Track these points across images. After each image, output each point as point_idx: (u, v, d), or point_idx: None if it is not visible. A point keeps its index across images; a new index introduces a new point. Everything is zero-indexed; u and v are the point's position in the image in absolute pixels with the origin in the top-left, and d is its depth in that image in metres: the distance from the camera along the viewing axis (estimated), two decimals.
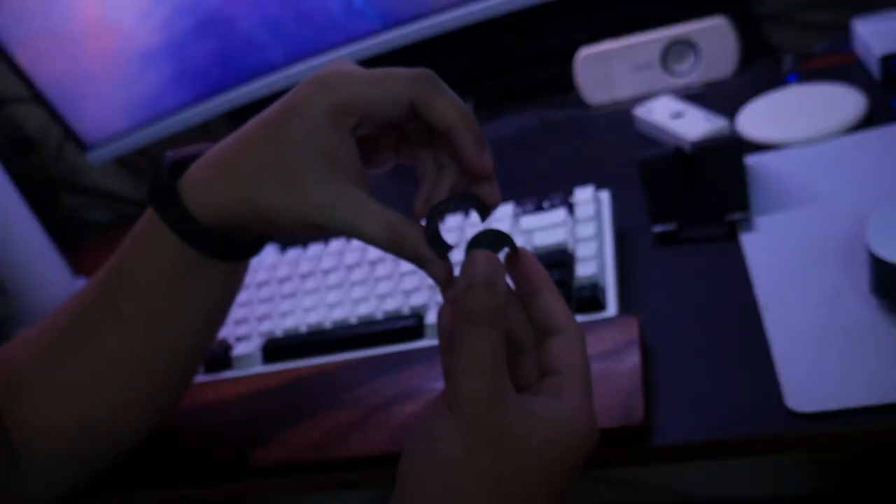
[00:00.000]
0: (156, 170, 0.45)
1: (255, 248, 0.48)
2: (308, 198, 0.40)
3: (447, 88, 0.40)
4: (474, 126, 0.39)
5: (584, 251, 0.57)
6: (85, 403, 0.49)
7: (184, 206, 0.44)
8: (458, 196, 0.41)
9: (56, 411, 0.49)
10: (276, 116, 0.42)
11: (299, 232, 0.42)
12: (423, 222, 0.39)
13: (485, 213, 0.40)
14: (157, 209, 0.45)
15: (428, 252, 0.39)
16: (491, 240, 0.37)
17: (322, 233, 0.42)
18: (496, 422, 0.34)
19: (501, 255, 0.37)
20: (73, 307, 0.50)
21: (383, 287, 0.61)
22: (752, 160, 0.63)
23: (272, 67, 0.85)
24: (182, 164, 0.46)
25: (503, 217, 0.63)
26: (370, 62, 0.80)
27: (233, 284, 0.50)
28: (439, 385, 0.51)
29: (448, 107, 0.39)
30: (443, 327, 0.39)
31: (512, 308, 0.39)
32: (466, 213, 0.67)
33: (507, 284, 0.37)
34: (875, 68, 0.68)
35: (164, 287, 0.47)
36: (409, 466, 0.35)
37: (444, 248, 0.39)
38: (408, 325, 0.58)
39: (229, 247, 0.46)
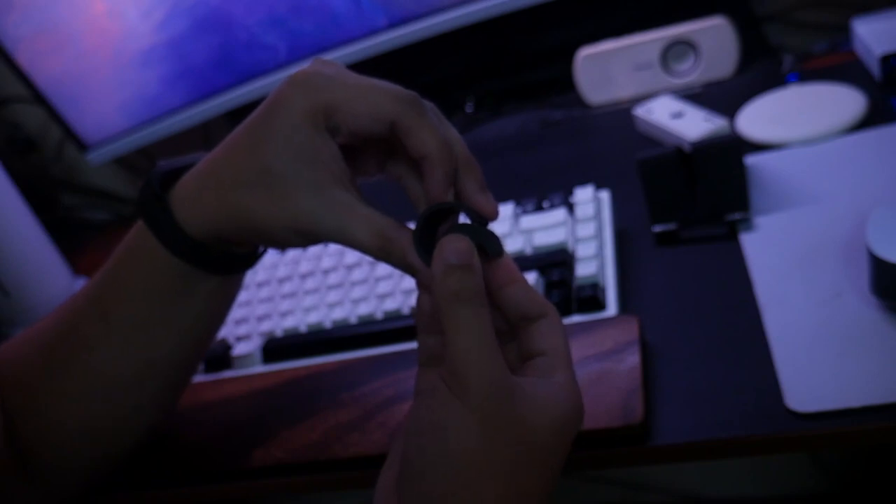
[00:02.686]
0: (146, 181, 0.44)
1: (250, 261, 0.47)
2: (294, 203, 0.38)
3: (431, 115, 0.38)
4: (452, 161, 0.38)
5: (584, 251, 0.57)
6: (82, 413, 0.48)
7: (174, 220, 0.43)
8: (451, 203, 0.38)
9: (57, 420, 0.49)
10: (257, 118, 0.40)
11: (291, 242, 0.41)
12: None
13: (482, 224, 0.38)
14: (147, 222, 0.44)
15: (416, 261, 0.37)
16: (465, 233, 0.36)
17: (313, 241, 0.40)
18: (507, 408, 0.32)
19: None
20: (64, 316, 0.49)
21: (383, 287, 0.61)
22: (752, 160, 0.63)
23: (274, 66, 0.85)
24: (174, 174, 0.44)
25: (503, 217, 0.63)
26: (370, 61, 0.80)
27: (227, 296, 0.49)
28: None
29: (428, 136, 0.37)
30: (424, 313, 0.37)
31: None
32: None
33: None
34: (875, 68, 0.68)
35: (155, 300, 0.46)
36: (415, 466, 0.33)
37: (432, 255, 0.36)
38: (408, 325, 0.58)
39: (222, 260, 0.45)
